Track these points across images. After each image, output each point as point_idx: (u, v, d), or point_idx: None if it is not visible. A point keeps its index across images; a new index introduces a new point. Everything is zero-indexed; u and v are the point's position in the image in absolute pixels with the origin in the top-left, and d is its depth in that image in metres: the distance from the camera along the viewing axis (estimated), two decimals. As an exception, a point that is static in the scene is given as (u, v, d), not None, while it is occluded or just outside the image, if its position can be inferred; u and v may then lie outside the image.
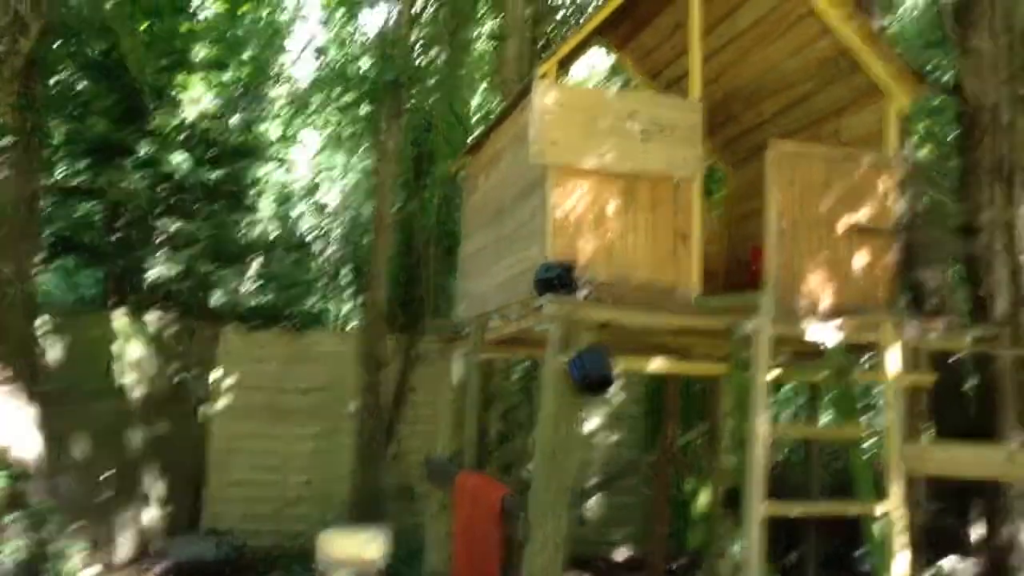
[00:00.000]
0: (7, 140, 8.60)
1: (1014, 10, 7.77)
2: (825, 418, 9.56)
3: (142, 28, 11.49)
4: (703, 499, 8.35)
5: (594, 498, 11.45)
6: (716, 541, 7.23)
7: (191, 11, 12.54)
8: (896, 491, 5.23)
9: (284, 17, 15.23)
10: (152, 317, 10.73)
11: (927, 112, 12.35)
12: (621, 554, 11.54)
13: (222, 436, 10.80)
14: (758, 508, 5.04)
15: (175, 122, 11.43)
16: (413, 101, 12.11)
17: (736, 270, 8.24)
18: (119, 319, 10.42)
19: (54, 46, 10.79)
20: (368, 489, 10.81)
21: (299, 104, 14.05)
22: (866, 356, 7.37)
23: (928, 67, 11.97)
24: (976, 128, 8.36)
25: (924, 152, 12.28)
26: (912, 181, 9.35)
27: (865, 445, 6.25)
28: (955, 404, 9.29)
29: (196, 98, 11.55)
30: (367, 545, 8.14)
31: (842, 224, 6.47)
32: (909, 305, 8.49)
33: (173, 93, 11.52)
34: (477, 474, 7.19)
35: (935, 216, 10.25)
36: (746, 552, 5.08)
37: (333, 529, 8.73)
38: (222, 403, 10.85)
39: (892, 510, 5.23)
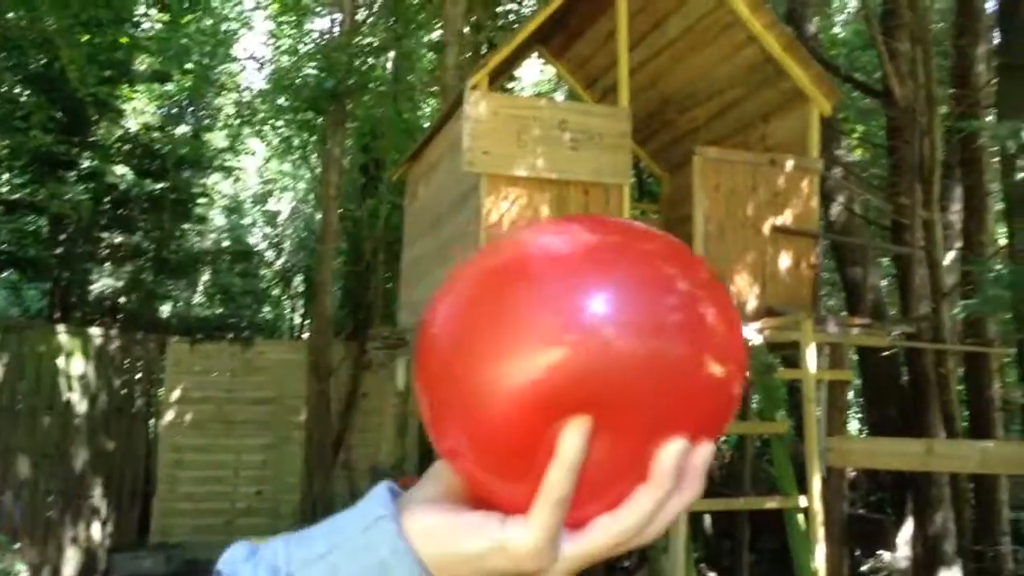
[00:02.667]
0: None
1: (928, 16, 8.04)
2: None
3: (83, 40, 11.42)
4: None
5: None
6: (658, 538, 7.38)
7: (133, 22, 12.49)
8: (815, 484, 5.41)
9: (229, 26, 15.20)
10: (97, 331, 10.68)
11: (864, 115, 12.66)
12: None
13: (170, 449, 10.76)
14: (682, 504, 5.18)
15: (118, 134, 11.39)
16: (358, 109, 12.18)
17: (672, 272, 8.42)
18: (64, 334, 10.36)
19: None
20: (318, 499, 10.84)
21: (246, 113, 14.03)
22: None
23: (864, 70, 12.29)
24: (902, 130, 8.65)
25: (858, 154, 12.58)
26: (846, 183, 9.64)
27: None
28: (891, 398, 9.57)
29: (139, 109, 11.53)
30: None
31: (767, 227, 6.67)
32: (845, 303, 8.69)
33: (116, 105, 11.48)
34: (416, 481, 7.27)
35: (868, 217, 10.55)
36: (673, 545, 5.23)
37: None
38: (169, 416, 10.82)
39: (811, 503, 5.41)
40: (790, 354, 7.33)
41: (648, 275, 0.52)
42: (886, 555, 8.87)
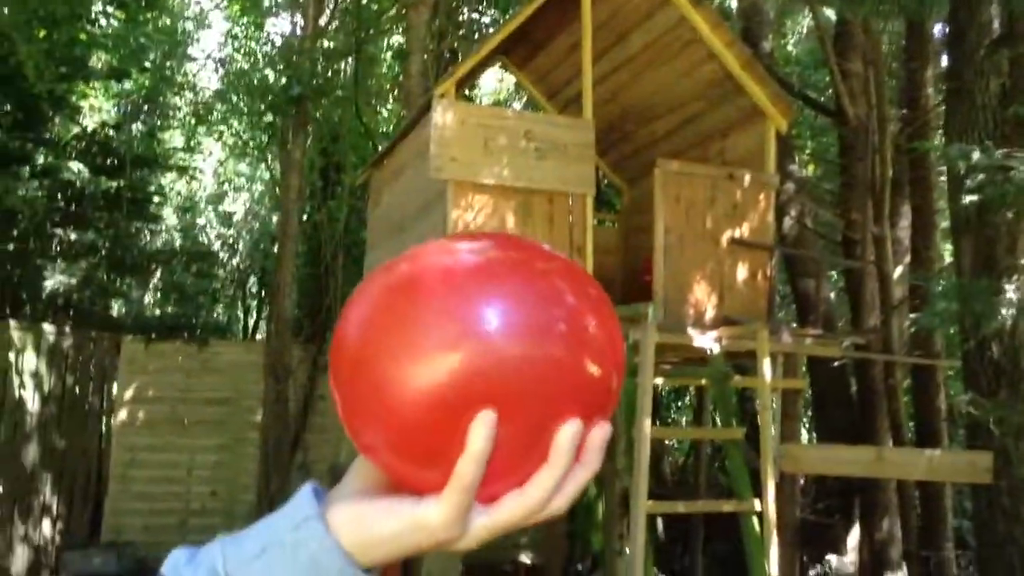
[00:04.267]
0: None
1: (880, 38, 8.32)
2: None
3: (40, 35, 11.27)
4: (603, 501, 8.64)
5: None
6: (613, 541, 7.53)
7: (90, 19, 12.34)
8: (770, 489, 5.59)
9: (187, 25, 15.09)
10: (50, 328, 10.53)
11: (815, 131, 12.99)
12: (528, 558, 11.76)
13: (123, 448, 10.63)
14: (642, 506, 5.33)
15: (74, 131, 11.26)
16: (320, 113, 12.18)
17: (632, 280, 8.59)
18: (15, 330, 10.20)
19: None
20: (274, 499, 10.79)
21: (203, 113, 13.93)
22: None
23: (816, 88, 12.61)
24: (854, 148, 8.93)
25: (810, 170, 12.90)
26: (799, 198, 9.90)
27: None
28: (840, 407, 9.84)
29: (96, 107, 11.40)
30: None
31: (725, 239, 6.86)
32: (796, 315, 8.92)
33: (72, 101, 11.35)
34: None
35: (819, 231, 10.84)
36: (632, 547, 5.36)
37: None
38: (123, 415, 10.70)
39: (765, 508, 5.59)
40: (742, 363, 7.55)
41: (539, 289, 0.59)
42: (834, 559, 9.12)
